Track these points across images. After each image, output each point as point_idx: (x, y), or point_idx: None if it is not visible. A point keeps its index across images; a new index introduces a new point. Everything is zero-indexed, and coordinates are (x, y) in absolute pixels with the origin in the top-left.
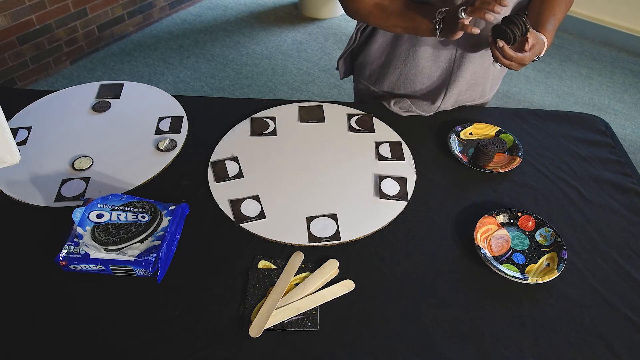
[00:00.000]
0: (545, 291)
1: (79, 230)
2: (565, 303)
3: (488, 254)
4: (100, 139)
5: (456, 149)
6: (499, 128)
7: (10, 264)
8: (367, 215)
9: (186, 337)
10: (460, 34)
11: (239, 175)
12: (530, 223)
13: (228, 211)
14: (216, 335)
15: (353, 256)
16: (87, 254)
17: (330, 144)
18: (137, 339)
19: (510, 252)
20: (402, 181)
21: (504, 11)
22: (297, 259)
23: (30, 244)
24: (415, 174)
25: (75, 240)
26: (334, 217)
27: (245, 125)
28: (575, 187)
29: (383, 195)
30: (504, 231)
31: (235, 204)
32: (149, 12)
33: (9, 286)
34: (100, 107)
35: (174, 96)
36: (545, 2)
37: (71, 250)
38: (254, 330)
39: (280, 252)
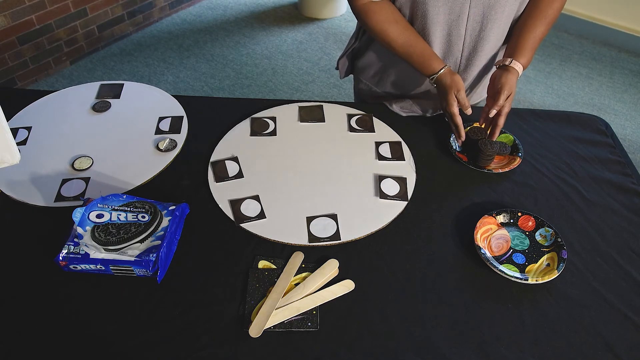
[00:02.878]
0: (545, 291)
1: (79, 230)
2: (565, 303)
3: (488, 254)
4: (100, 139)
5: (456, 148)
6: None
7: (10, 264)
8: (367, 215)
9: (186, 337)
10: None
11: (239, 175)
12: (530, 223)
13: (228, 211)
14: (216, 335)
15: (353, 256)
16: (87, 254)
17: (330, 144)
18: (137, 339)
19: (510, 252)
20: (402, 181)
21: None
22: (297, 259)
23: (30, 244)
24: (415, 174)
25: (75, 240)
26: (334, 217)
27: (245, 125)
28: (575, 187)
29: (383, 195)
30: (504, 231)
31: (235, 204)
32: (149, 12)
33: (9, 286)
34: (100, 107)
35: (174, 96)
36: (525, 22)
37: (71, 250)
38: (254, 330)
39: (280, 252)
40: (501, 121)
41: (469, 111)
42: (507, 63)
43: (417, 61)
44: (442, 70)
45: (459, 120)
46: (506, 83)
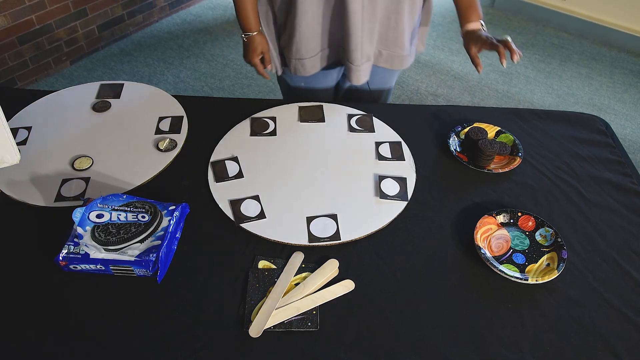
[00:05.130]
0: (545, 291)
1: (79, 230)
2: (565, 303)
3: (488, 254)
4: (100, 139)
5: (456, 148)
6: (499, 128)
7: (10, 264)
8: (367, 215)
9: (186, 337)
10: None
11: (239, 175)
12: (530, 223)
13: (228, 211)
14: (216, 335)
15: (353, 256)
16: (87, 254)
17: (330, 144)
18: (137, 339)
19: (510, 252)
20: (402, 181)
21: None
22: (297, 259)
23: (30, 244)
24: (415, 174)
25: (75, 240)
26: (334, 217)
27: (245, 125)
28: (575, 187)
29: (383, 195)
30: (504, 231)
31: (235, 204)
32: (149, 12)
33: (9, 286)
34: (100, 107)
35: (174, 96)
36: None
37: (71, 250)
38: (254, 330)
39: (280, 252)
40: (509, 46)
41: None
42: (466, 30)
43: (243, 15)
44: (254, 33)
45: (260, 68)
46: (479, 40)
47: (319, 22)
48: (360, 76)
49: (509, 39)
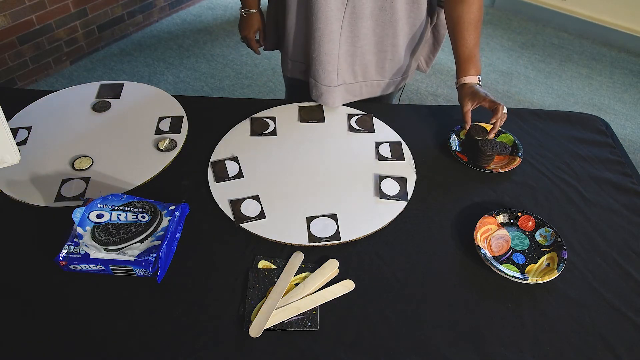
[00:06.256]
0: (545, 291)
1: (79, 230)
2: (565, 303)
3: (488, 254)
4: (100, 139)
5: (456, 148)
6: (499, 128)
7: (10, 264)
8: (367, 215)
9: (186, 337)
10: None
11: (239, 175)
12: (530, 223)
13: (228, 211)
14: (216, 335)
15: (353, 256)
16: (87, 254)
17: (330, 144)
18: (137, 339)
19: (510, 252)
20: (402, 181)
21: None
22: (297, 259)
23: (30, 244)
24: (415, 174)
25: (75, 240)
26: (334, 217)
27: (245, 125)
28: (575, 187)
29: (383, 195)
30: (504, 231)
31: (235, 204)
32: (149, 12)
33: (9, 286)
34: (100, 107)
35: (174, 96)
36: (454, 37)
37: (71, 250)
38: (254, 330)
39: (280, 252)
40: (501, 120)
41: None
42: (462, 82)
43: None
44: (253, 11)
45: (253, 43)
46: (475, 96)
47: (301, 30)
48: (336, 99)
49: (504, 110)
